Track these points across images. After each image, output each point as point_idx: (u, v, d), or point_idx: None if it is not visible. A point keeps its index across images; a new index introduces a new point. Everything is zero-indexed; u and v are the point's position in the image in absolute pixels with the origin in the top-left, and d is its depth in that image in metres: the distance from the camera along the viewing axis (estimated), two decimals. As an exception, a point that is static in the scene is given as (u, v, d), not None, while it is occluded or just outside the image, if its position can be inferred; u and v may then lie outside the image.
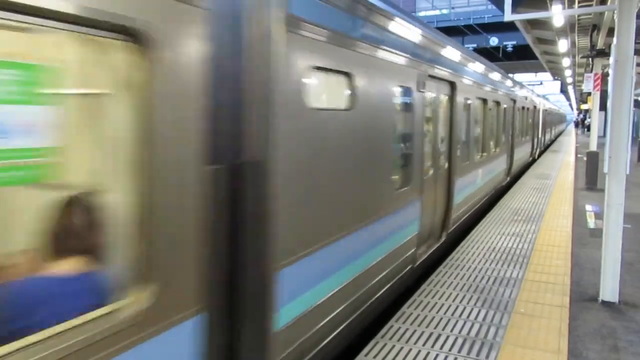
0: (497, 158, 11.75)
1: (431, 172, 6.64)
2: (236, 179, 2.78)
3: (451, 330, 4.63)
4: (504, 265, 6.60)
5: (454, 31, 32.55)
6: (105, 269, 2.31)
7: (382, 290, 5.05)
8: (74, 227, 2.21)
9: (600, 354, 4.36)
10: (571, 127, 68.02)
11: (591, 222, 9.52)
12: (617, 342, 4.57)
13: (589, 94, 17.55)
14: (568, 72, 28.31)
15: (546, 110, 27.44)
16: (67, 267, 2.18)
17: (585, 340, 4.60)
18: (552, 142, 36.72)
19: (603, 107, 12.12)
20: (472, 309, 5.13)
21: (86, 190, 2.34)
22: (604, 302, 5.50)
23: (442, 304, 5.26)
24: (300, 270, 3.47)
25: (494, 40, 34.83)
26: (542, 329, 4.67)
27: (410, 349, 4.26)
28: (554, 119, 40.87)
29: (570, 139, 41.45)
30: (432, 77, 6.31)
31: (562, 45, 16.50)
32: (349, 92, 4.10)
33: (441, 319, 4.89)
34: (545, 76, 44.12)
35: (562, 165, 19.72)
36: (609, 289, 5.54)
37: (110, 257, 2.35)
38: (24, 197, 2.48)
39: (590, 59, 15.06)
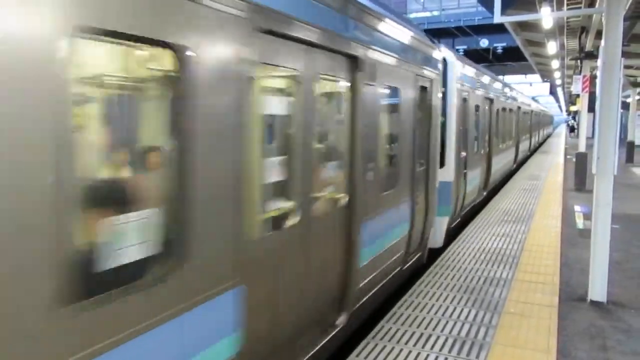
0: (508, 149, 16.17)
1: (482, 151, 11.43)
2: None
3: (442, 331, 4.65)
4: (494, 266, 6.64)
5: (444, 33, 32.68)
6: None
7: (472, 204, 10.28)
8: None
9: (589, 353, 4.40)
10: (560, 130, 68.25)
11: (580, 223, 9.60)
12: (605, 342, 4.61)
13: (578, 95, 17.68)
14: (557, 74, 28.50)
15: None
16: None
17: (574, 339, 4.64)
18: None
19: (591, 108, 12.23)
20: (462, 309, 5.15)
21: None
22: (592, 302, 5.55)
23: (433, 305, 5.28)
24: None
25: (484, 42, 34.99)
26: (531, 329, 4.70)
27: (402, 349, 4.28)
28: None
29: (559, 140, 41.81)
30: (487, 98, 11.39)
31: (551, 47, 16.60)
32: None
33: (432, 319, 4.91)
34: (535, 78, 44.44)
35: (552, 166, 19.88)
36: (598, 289, 5.59)
37: None
38: None
39: (579, 61, 15.18)
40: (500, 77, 23.06)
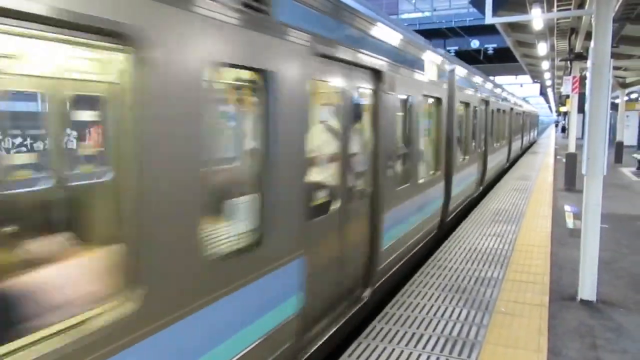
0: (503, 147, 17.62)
1: (479, 150, 12.45)
2: None
3: (433, 330, 4.66)
4: (485, 266, 6.67)
5: (435, 34, 32.81)
6: None
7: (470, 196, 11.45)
8: None
9: (579, 351, 4.43)
10: (550, 131, 68.35)
11: (570, 222, 9.68)
12: (595, 340, 4.65)
13: (568, 96, 17.82)
14: (547, 75, 28.67)
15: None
16: None
17: (564, 338, 4.67)
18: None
19: (581, 109, 12.35)
20: (454, 309, 5.17)
21: None
22: (582, 301, 5.60)
23: (425, 304, 5.29)
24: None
25: (475, 43, 35.20)
26: (522, 328, 4.73)
27: (394, 349, 4.28)
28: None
29: (549, 141, 42.10)
30: (484, 100, 12.69)
31: (542, 48, 16.72)
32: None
33: (424, 319, 4.92)
34: (526, 79, 44.77)
35: (542, 166, 20.02)
36: (587, 288, 5.64)
37: None
38: None
39: (568, 62, 15.29)
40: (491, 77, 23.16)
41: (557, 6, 11.13)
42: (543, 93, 53.47)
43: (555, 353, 4.36)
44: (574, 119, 15.43)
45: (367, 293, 5.20)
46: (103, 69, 3.56)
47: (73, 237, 3.03)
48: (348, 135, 4.70)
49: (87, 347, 2.03)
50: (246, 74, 3.37)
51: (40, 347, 1.91)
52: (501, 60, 34.74)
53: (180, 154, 2.51)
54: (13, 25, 1.80)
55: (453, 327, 4.73)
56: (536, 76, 34.86)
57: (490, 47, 34.91)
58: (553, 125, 79.40)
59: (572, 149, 14.83)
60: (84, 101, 4.17)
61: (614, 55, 6.18)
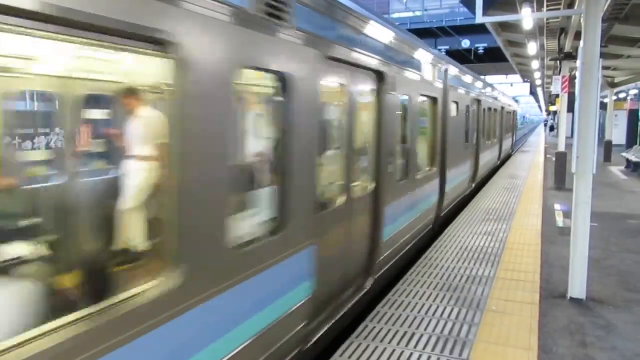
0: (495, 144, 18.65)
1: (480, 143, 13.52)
2: None
3: (425, 329, 4.67)
4: (476, 264, 6.70)
5: (426, 33, 32.90)
6: None
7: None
8: None
9: (569, 349, 4.46)
10: (539, 130, 68.54)
11: (560, 221, 9.74)
12: (585, 338, 4.68)
13: (557, 95, 17.95)
14: (537, 74, 28.88)
15: None
16: None
17: (554, 336, 4.70)
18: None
19: (571, 108, 12.41)
20: (445, 308, 5.19)
21: None
22: (572, 299, 5.64)
23: (416, 303, 5.30)
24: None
25: (465, 43, 35.34)
26: (513, 326, 4.75)
27: (385, 348, 4.29)
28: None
29: (539, 139, 42.37)
30: (476, 99, 12.82)
31: (531, 47, 16.83)
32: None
33: (415, 317, 4.93)
34: (516, 78, 45.01)
35: (532, 165, 20.15)
36: (577, 286, 5.67)
37: None
38: None
39: (558, 61, 15.40)
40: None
41: (547, 6, 11.21)
42: (533, 92, 53.81)
43: (545, 350, 4.38)
44: (564, 118, 15.54)
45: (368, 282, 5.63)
46: None
47: None
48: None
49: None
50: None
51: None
52: (491, 59, 34.90)
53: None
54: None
55: (444, 326, 4.75)
56: (526, 75, 35.11)
57: (481, 46, 35.05)
58: (542, 125, 79.85)
59: (561, 147, 14.93)
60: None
61: (603, 55, 6.22)
